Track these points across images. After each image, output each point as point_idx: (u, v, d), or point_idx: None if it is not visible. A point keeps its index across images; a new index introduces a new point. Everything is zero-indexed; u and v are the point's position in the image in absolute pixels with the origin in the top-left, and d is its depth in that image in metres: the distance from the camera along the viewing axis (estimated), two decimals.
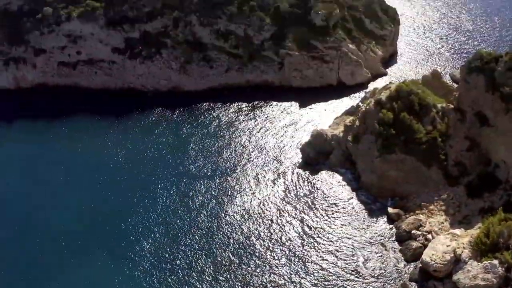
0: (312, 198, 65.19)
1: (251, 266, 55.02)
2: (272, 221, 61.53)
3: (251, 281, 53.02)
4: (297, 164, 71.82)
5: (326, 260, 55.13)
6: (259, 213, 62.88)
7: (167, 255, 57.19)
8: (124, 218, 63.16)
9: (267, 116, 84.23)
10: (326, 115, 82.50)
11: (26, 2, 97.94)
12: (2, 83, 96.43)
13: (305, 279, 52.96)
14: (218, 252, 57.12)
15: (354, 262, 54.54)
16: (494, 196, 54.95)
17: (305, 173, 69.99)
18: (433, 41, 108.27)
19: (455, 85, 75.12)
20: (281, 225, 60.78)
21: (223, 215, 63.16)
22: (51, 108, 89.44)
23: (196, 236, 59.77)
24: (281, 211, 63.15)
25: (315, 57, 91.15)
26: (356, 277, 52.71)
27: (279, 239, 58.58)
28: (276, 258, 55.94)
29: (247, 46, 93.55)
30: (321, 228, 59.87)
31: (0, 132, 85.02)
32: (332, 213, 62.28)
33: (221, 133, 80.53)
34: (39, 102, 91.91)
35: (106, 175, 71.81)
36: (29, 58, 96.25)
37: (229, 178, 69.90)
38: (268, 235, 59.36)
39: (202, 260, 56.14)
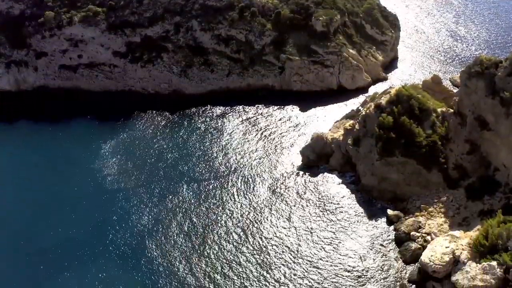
0: (311, 200, 65.27)
1: (249, 263, 55.29)
2: (270, 221, 61.70)
3: (248, 277, 53.41)
4: (297, 167, 71.97)
5: (325, 260, 55.22)
6: (258, 214, 62.98)
7: (164, 258, 57.39)
8: (122, 222, 63.52)
9: (268, 120, 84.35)
10: (326, 119, 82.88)
11: (28, 6, 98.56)
12: (4, 85, 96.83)
13: (303, 279, 52.95)
14: (214, 253, 57.28)
15: (353, 263, 54.61)
16: (493, 199, 55.12)
17: (305, 175, 70.14)
18: (433, 47, 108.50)
19: (455, 90, 75.42)
20: (279, 226, 60.92)
21: (222, 217, 63.20)
22: (52, 110, 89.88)
23: (194, 238, 59.91)
24: (280, 212, 63.32)
25: (316, 62, 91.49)
26: (355, 278, 52.79)
27: (276, 239, 58.70)
28: (272, 257, 56.11)
29: (248, 51, 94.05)
30: (320, 230, 59.95)
31: (0, 134, 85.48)
32: (331, 215, 62.33)
33: (221, 137, 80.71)
34: (40, 105, 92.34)
35: (105, 178, 72.34)
36: (30, 61, 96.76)
37: (228, 181, 69.94)
38: (266, 234, 59.55)
39: (200, 263, 56.34)
